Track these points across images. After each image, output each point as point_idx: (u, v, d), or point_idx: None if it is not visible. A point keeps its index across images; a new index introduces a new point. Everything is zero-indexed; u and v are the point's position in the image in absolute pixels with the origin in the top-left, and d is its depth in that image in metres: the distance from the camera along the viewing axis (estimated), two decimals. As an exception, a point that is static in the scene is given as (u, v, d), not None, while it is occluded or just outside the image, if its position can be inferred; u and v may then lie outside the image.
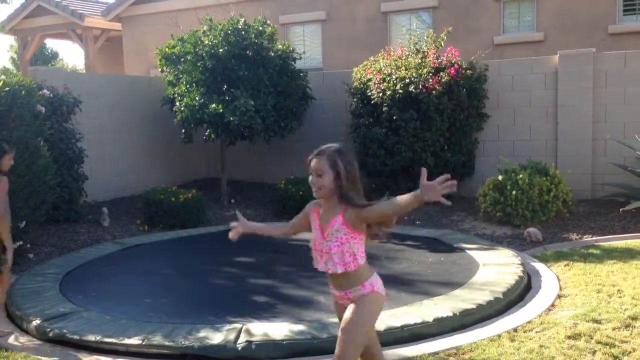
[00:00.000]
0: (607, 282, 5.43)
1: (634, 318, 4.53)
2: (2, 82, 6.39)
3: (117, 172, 10.23)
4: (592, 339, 4.20)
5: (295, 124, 9.91)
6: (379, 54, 9.94)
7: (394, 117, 8.93)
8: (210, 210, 9.37)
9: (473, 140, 9.50)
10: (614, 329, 4.36)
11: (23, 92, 6.56)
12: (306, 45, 13.89)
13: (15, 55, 22.75)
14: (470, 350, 4.12)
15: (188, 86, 9.40)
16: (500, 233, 7.69)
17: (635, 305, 4.78)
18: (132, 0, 15.69)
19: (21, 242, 6.73)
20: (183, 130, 9.70)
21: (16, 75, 6.80)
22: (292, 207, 8.95)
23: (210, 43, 9.20)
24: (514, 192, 7.80)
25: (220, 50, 9.10)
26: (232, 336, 4.33)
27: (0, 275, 4.82)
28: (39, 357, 4.31)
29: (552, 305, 4.98)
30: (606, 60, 8.82)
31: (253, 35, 9.36)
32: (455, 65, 9.07)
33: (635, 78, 8.65)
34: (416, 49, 9.69)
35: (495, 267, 5.88)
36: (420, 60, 9.28)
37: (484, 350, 4.09)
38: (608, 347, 4.07)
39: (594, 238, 7.20)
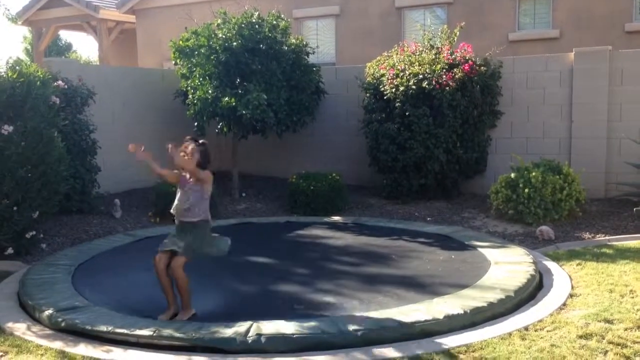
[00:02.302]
0: (619, 282, 5.39)
1: (647, 319, 4.49)
2: (17, 72, 6.43)
3: (129, 164, 10.22)
4: (603, 339, 4.17)
5: (308, 118, 9.91)
6: (393, 50, 9.90)
7: (407, 113, 8.90)
8: (221, 204, 9.39)
9: (486, 137, 9.46)
10: (626, 329, 4.33)
11: (38, 83, 6.60)
12: (319, 40, 13.87)
13: (29, 47, 22.90)
14: (481, 348, 4.10)
15: (201, 79, 9.41)
16: (512, 231, 7.66)
17: (648, 306, 4.75)
18: (146, -8, 15.74)
19: (34, 232, 6.80)
20: (196, 123, 9.71)
21: (31, 66, 6.83)
22: (302, 201, 8.97)
23: (224, 36, 9.21)
24: (526, 190, 7.76)
25: (234, 43, 9.10)
26: (242, 329, 4.34)
27: None
28: (51, 345, 4.35)
29: (564, 304, 4.95)
30: (622, 58, 8.74)
31: (267, 29, 9.36)
32: (470, 62, 9.02)
33: (651, 77, 8.56)
34: (430, 45, 9.65)
35: (506, 265, 5.86)
36: (434, 56, 9.24)
37: (495, 349, 4.08)
38: (620, 347, 4.04)
39: (607, 237, 7.15)
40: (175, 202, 4.89)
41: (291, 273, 6.10)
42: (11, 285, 5.75)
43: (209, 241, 4.98)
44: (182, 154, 4.71)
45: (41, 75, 6.75)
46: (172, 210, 4.93)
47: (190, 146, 4.78)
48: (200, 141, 4.87)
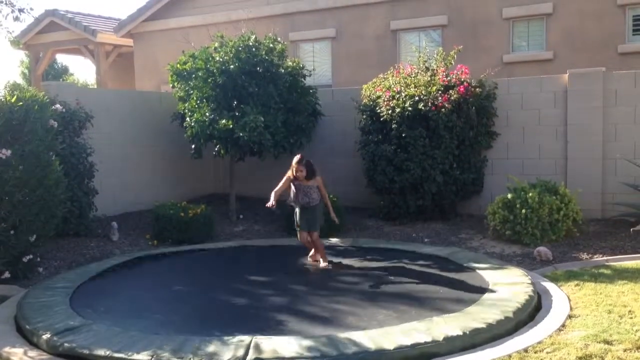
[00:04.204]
0: (618, 303, 5.39)
1: (646, 339, 4.49)
2: (15, 97, 6.46)
3: (126, 187, 10.28)
4: (603, 360, 4.17)
5: (305, 140, 9.95)
6: (389, 72, 9.98)
7: (403, 134, 8.95)
8: (219, 226, 9.38)
9: (482, 158, 9.51)
10: (625, 350, 4.32)
11: (36, 107, 6.63)
12: (316, 62, 13.98)
13: (26, 70, 23.00)
14: (481, 370, 4.09)
15: (198, 102, 9.46)
16: (510, 252, 7.66)
17: (647, 327, 4.74)
18: (144, 17, 15.87)
19: (31, 256, 6.78)
20: (193, 146, 9.75)
21: (29, 90, 6.87)
22: (300, 223, 8.94)
23: (221, 59, 9.28)
24: (523, 211, 7.78)
25: (231, 66, 9.17)
26: (240, 352, 4.33)
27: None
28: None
29: (563, 325, 4.95)
30: (616, 80, 8.82)
31: (263, 52, 9.43)
32: (465, 83, 9.10)
33: (645, 97, 8.63)
34: (425, 67, 9.73)
35: (505, 286, 5.85)
36: (429, 78, 9.32)
37: (495, 370, 4.07)
38: (620, 368, 4.03)
39: (605, 258, 7.16)
40: (294, 197, 7.30)
41: (289, 291, 6.09)
42: (8, 310, 5.72)
43: (321, 215, 7.37)
44: (298, 173, 7.12)
45: (39, 99, 6.78)
46: (291, 203, 7.40)
47: (296, 166, 7.10)
48: (304, 160, 7.16)
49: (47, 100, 7.12)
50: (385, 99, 9.25)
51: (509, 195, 8.09)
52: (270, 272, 6.97)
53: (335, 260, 7.44)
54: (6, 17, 8.44)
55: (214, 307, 5.75)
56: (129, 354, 4.39)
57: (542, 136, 9.27)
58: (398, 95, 9.16)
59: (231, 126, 8.91)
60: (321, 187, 7.33)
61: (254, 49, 9.40)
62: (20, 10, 8.40)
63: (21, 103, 6.46)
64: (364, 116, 9.65)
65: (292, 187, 7.32)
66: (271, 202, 7.01)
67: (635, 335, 4.57)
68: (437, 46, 11.88)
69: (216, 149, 9.57)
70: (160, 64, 14.59)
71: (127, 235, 8.82)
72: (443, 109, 8.79)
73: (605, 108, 8.83)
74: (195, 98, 9.49)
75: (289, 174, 7.27)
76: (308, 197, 7.24)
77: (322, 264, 7.19)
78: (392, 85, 9.40)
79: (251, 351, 4.33)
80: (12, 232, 6.46)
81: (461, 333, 4.63)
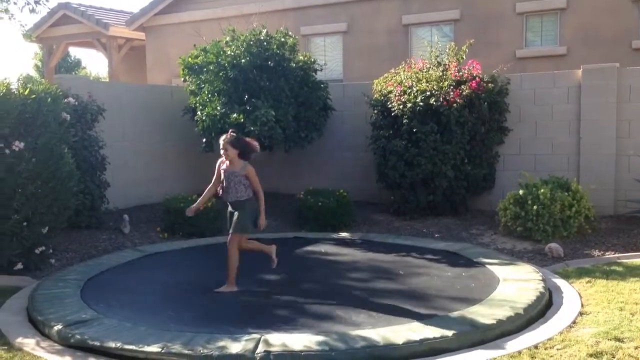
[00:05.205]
0: (629, 300, 5.36)
1: (658, 337, 4.46)
2: (28, 89, 6.50)
3: (138, 180, 10.33)
4: (614, 357, 4.14)
5: (316, 134, 9.94)
6: (400, 66, 9.94)
7: (414, 130, 8.92)
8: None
9: (494, 154, 9.46)
10: (636, 347, 4.30)
11: (49, 99, 6.68)
12: (327, 57, 13.96)
13: (39, 63, 23.14)
14: (490, 366, 4.08)
15: (210, 96, 9.47)
16: (521, 248, 7.63)
17: (659, 324, 4.71)
18: (156, 10, 15.91)
19: (44, 248, 6.83)
20: (204, 140, 9.77)
21: (42, 83, 6.91)
22: (310, 217, 8.97)
23: (232, 53, 9.29)
24: (535, 207, 7.74)
25: (243, 60, 9.17)
26: (250, 346, 4.34)
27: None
28: (60, 362, 4.36)
29: (574, 322, 4.92)
30: (630, 75, 8.74)
31: (275, 46, 9.43)
32: (477, 78, 9.05)
33: (659, 93, 8.55)
34: (437, 62, 9.69)
35: (515, 283, 5.83)
36: (441, 73, 9.27)
37: (504, 367, 4.06)
38: (631, 366, 4.01)
39: (617, 255, 7.11)
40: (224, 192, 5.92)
41: (299, 287, 6.10)
42: (20, 301, 5.77)
43: (251, 216, 5.88)
44: (222, 151, 5.87)
45: (52, 92, 6.82)
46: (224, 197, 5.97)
47: (221, 142, 5.90)
48: (232, 136, 5.91)
49: (60, 93, 7.16)
50: (397, 94, 9.22)
51: (521, 191, 8.05)
52: (279, 266, 6.96)
53: (345, 255, 7.44)
54: (22, 10, 8.53)
55: (224, 302, 5.75)
56: (140, 346, 4.42)
57: (554, 132, 9.20)
58: (409, 90, 9.13)
59: (242, 120, 8.92)
60: (251, 177, 5.84)
61: (265, 43, 9.40)
62: (36, 2, 8.45)
63: (34, 96, 6.51)
64: (375, 111, 9.63)
65: (222, 178, 5.91)
66: (192, 208, 6.06)
67: (646, 333, 4.55)
68: (449, 41, 11.82)
69: (227, 142, 9.57)
70: (172, 58, 14.63)
71: (138, 228, 8.86)
72: (455, 104, 8.75)
73: (618, 104, 8.75)
74: (206, 92, 9.51)
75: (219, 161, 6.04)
76: (234, 187, 5.80)
77: (224, 287, 5.88)
78: (404, 80, 9.37)
79: (261, 345, 4.35)
80: (25, 223, 6.52)
81: (471, 329, 4.61)
